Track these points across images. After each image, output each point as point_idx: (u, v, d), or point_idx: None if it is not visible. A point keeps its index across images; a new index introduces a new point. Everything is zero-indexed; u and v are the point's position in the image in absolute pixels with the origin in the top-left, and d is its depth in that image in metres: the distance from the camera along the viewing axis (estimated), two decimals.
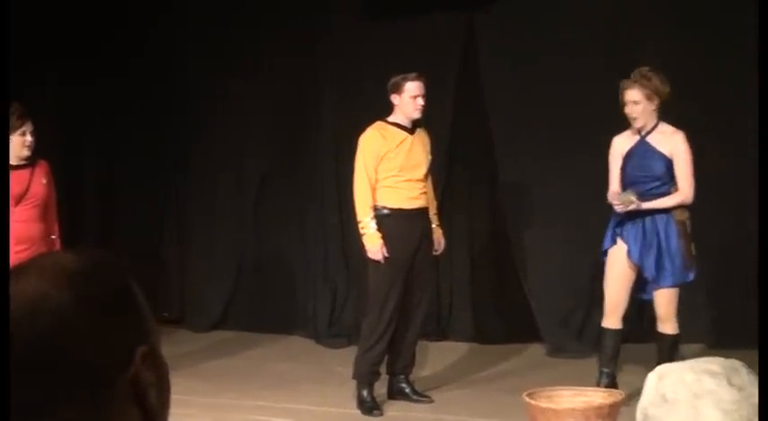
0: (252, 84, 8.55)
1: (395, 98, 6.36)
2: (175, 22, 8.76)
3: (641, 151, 6.03)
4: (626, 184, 6.13)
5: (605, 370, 6.20)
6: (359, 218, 6.34)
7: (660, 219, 5.95)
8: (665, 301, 6.01)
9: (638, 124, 6.02)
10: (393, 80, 6.37)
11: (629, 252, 6.07)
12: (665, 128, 5.99)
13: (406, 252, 6.32)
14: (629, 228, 6.04)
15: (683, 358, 5.77)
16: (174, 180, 9.04)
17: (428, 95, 6.40)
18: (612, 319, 6.21)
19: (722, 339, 7.35)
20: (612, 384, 6.11)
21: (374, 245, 6.25)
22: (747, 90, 7.32)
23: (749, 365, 5.37)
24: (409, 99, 6.31)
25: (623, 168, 6.14)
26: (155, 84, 8.86)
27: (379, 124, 6.40)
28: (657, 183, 6.00)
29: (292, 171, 8.61)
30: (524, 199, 7.92)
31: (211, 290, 8.84)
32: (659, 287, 6.03)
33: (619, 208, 6.02)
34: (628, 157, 6.10)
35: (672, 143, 5.93)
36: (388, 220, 6.30)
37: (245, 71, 8.56)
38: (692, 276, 5.97)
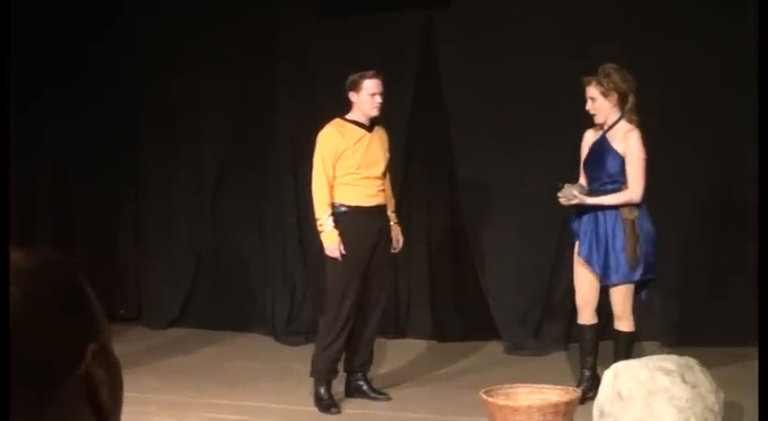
0: (208, 84, 8.48)
1: (353, 96, 6.35)
2: (130, 22, 8.69)
3: (599, 147, 6.07)
4: (587, 179, 6.17)
5: (585, 366, 6.19)
6: (317, 215, 6.33)
7: (610, 215, 5.97)
8: (620, 299, 6.02)
9: (597, 120, 6.07)
10: (351, 78, 6.37)
11: (579, 247, 6.11)
12: (623, 125, 5.99)
13: (364, 249, 6.32)
14: (585, 222, 6.09)
15: (639, 356, 5.82)
16: (130, 179, 8.99)
17: (386, 93, 6.38)
18: (584, 315, 6.22)
19: (678, 337, 7.42)
20: (593, 382, 6.00)
21: (332, 242, 6.25)
22: (710, 90, 7.44)
23: (703, 363, 5.45)
24: (367, 97, 6.30)
25: (584, 162, 6.18)
26: (109, 83, 8.78)
27: (337, 121, 6.39)
28: (609, 180, 6.02)
29: (250, 170, 8.57)
30: (482, 197, 7.90)
31: (169, 287, 8.80)
32: (606, 284, 6.05)
33: (562, 201, 6.07)
34: (589, 152, 6.15)
35: (625, 141, 5.95)
36: (346, 218, 6.29)
37: (201, 71, 8.50)
38: (637, 275, 5.95)
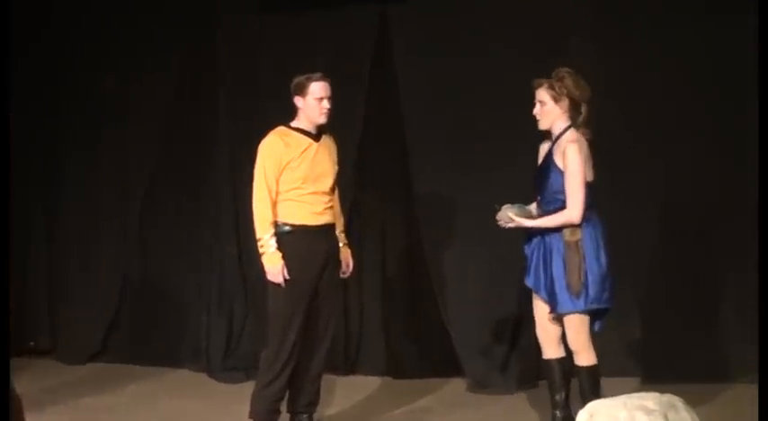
0: (137, 88, 8.53)
1: (298, 101, 6.36)
2: (67, 22, 8.66)
3: (546, 160, 6.10)
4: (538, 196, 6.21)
5: (555, 406, 6.19)
6: (258, 235, 6.31)
7: (555, 238, 5.99)
8: (571, 331, 6.02)
9: (541, 126, 6.10)
10: (296, 81, 6.38)
11: (525, 276, 6.15)
12: (568, 136, 6.00)
13: (310, 274, 6.33)
14: (533, 247, 6.12)
15: (617, 393, 5.81)
16: (43, 190, 8.91)
17: (335, 98, 6.39)
18: (547, 349, 6.22)
19: (659, 373, 7.42)
20: None
21: (274, 266, 6.25)
22: (680, 97, 7.53)
23: (688, 401, 5.45)
24: (314, 102, 6.32)
25: (534, 177, 6.21)
26: (40, 84, 8.76)
27: (280, 129, 6.39)
28: (552, 198, 6.02)
29: (183, 183, 8.58)
30: (443, 214, 7.92)
31: (88, 315, 8.73)
32: (553, 314, 6.06)
33: (500, 224, 6.12)
34: (539, 166, 6.18)
35: (565, 155, 5.96)
36: (290, 238, 6.30)
37: (131, 74, 8.52)
38: (582, 304, 5.94)
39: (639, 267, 7.56)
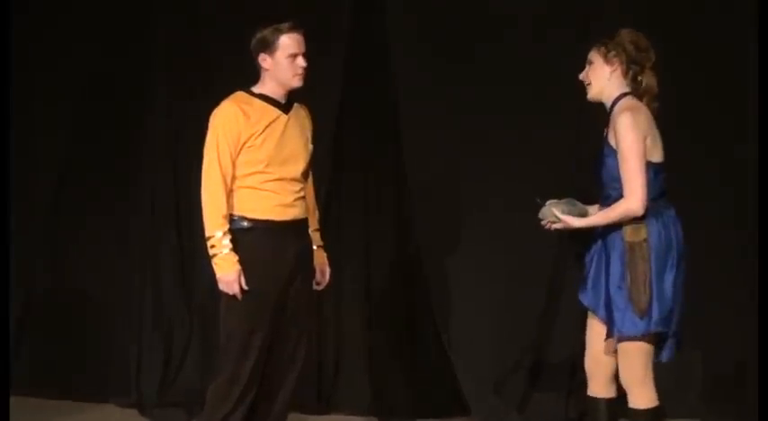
0: (49, 53, 8.52)
1: (263, 59, 6.24)
2: None
3: (604, 140, 6.03)
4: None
5: None
6: (207, 233, 6.17)
7: (615, 238, 5.88)
8: (625, 360, 5.89)
9: (589, 93, 6.02)
10: (261, 34, 6.25)
11: (579, 291, 6.04)
12: (622, 104, 5.92)
13: (275, 283, 6.24)
14: (594, 253, 5.99)
15: None
16: None
17: (309, 57, 6.24)
18: (594, 383, 6.09)
19: (725, 414, 7.53)
20: None
21: (228, 272, 6.14)
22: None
23: None
24: (286, 60, 6.18)
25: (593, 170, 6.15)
26: None
27: (240, 96, 6.26)
28: (611, 189, 5.92)
29: (107, 167, 8.54)
30: (445, 209, 7.94)
31: None
32: (609, 339, 5.94)
33: (543, 223, 6.02)
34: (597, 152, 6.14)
35: (616, 129, 5.87)
36: (250, 237, 6.21)
37: (36, 28, 8.51)
38: (643, 327, 5.80)
39: (722, 281, 7.58)
